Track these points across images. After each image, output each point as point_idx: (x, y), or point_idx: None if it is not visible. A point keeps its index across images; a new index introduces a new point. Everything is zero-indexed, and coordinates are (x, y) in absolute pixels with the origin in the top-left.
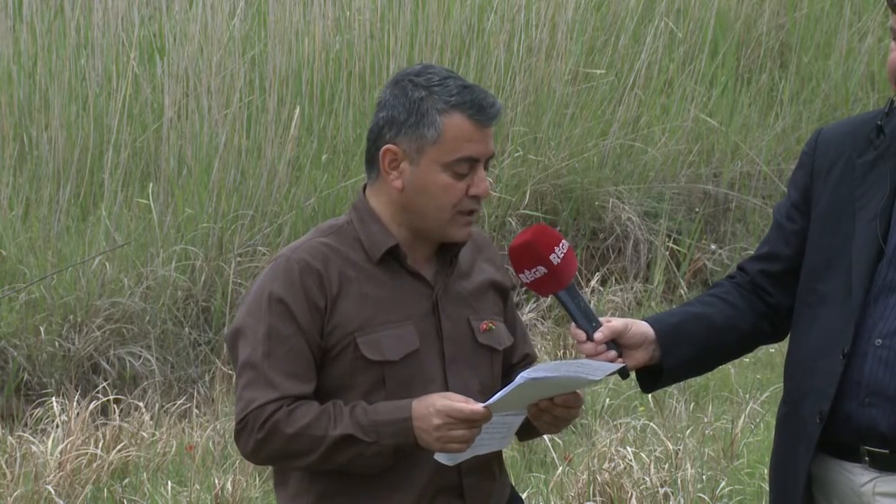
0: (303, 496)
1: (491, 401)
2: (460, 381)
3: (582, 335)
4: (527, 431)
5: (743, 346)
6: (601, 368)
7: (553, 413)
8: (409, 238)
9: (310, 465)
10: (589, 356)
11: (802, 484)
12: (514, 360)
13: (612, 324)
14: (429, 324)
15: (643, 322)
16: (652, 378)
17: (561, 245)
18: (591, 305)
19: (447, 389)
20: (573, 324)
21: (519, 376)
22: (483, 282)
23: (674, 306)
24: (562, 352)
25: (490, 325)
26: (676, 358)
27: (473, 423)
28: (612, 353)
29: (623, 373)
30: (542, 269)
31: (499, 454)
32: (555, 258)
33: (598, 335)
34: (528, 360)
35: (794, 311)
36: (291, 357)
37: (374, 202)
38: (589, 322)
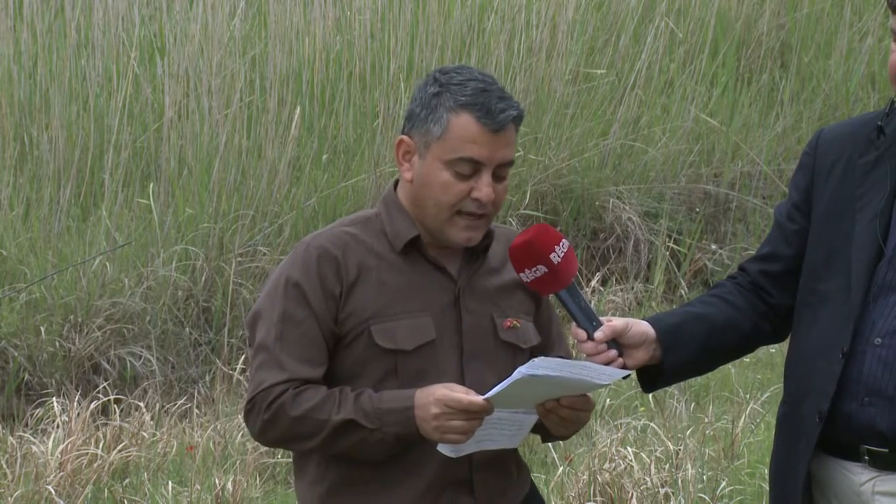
0: (317, 485)
1: (490, 393)
2: (477, 376)
3: (582, 334)
4: (547, 432)
5: (743, 346)
6: (607, 373)
7: (560, 414)
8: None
9: (315, 449)
10: (589, 355)
11: (802, 483)
12: None
13: (612, 323)
14: (448, 317)
15: (644, 322)
16: (652, 378)
17: (561, 244)
18: (592, 305)
19: (462, 383)
20: (574, 323)
21: (517, 371)
22: (513, 280)
23: (674, 306)
24: None
25: (514, 322)
26: (677, 358)
27: (472, 414)
28: (613, 352)
29: None
30: (542, 269)
31: (515, 452)
32: (555, 257)
33: (598, 334)
34: None
35: (795, 311)
36: (303, 341)
37: (401, 195)
38: (590, 321)
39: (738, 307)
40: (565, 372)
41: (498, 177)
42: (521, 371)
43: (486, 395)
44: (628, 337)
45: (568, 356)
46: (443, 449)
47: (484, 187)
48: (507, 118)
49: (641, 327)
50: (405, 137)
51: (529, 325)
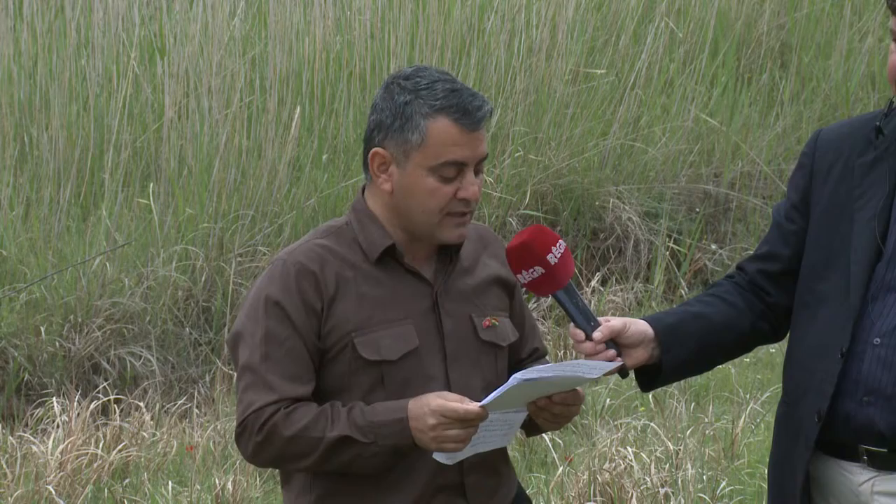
0: (305, 495)
1: (486, 400)
2: (462, 378)
3: (581, 335)
4: (532, 427)
5: (741, 345)
6: (598, 367)
7: (552, 411)
8: (407, 238)
9: (310, 467)
10: (588, 356)
11: (801, 483)
12: (522, 355)
13: (610, 323)
14: (429, 322)
15: (642, 321)
16: (650, 377)
17: (558, 245)
18: (592, 305)
19: (449, 387)
20: (572, 324)
21: (512, 377)
22: (487, 277)
23: (674, 306)
24: (562, 352)
25: (493, 321)
26: (675, 357)
27: (468, 422)
28: (611, 352)
29: (622, 372)
30: (539, 270)
31: (503, 451)
32: (552, 258)
33: (596, 334)
34: (538, 354)
35: (793, 311)
36: (289, 359)
37: (371, 203)
38: (587, 322)
39: (737, 306)
40: (558, 371)
41: (476, 171)
42: (517, 377)
43: (482, 403)
44: (626, 336)
45: (542, 348)
46: (439, 457)
47: (470, 186)
48: (484, 115)
49: (640, 327)
50: (380, 150)
51: (507, 321)
